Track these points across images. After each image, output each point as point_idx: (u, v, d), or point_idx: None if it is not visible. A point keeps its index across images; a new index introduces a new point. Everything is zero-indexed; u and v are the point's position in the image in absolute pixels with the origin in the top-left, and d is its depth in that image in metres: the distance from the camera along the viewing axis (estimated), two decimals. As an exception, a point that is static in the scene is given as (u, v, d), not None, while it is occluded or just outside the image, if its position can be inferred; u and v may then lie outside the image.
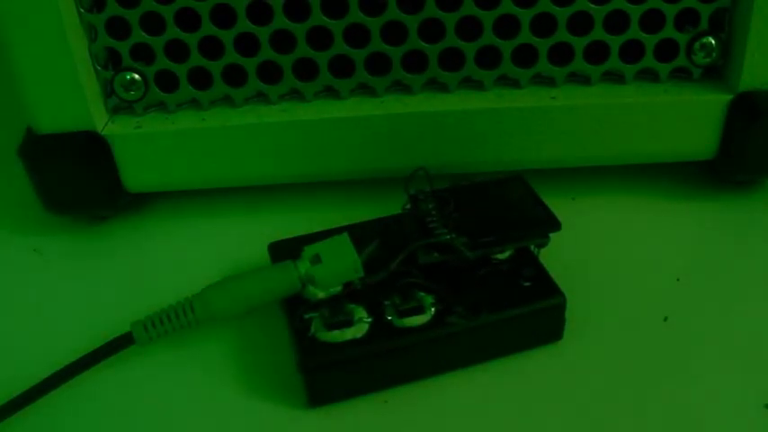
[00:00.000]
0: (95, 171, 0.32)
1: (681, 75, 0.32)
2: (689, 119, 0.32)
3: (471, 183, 0.30)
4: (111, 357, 0.27)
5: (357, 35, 0.31)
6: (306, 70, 0.32)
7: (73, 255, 0.34)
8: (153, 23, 0.30)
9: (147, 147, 0.32)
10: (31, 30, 0.29)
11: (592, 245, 0.32)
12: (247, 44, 0.31)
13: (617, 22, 0.31)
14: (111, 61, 0.31)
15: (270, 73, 0.32)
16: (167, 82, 0.32)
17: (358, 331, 0.26)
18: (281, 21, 0.30)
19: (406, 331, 0.26)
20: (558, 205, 0.29)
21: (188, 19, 0.30)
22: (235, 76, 0.32)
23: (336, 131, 0.32)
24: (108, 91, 0.32)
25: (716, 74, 0.32)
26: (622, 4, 0.30)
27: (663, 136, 0.32)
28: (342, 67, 0.32)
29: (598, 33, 0.31)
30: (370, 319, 0.26)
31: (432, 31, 0.31)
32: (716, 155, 0.33)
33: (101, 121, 0.32)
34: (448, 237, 0.27)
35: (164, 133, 0.32)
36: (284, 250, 0.28)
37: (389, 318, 0.26)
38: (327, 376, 0.26)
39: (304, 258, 0.26)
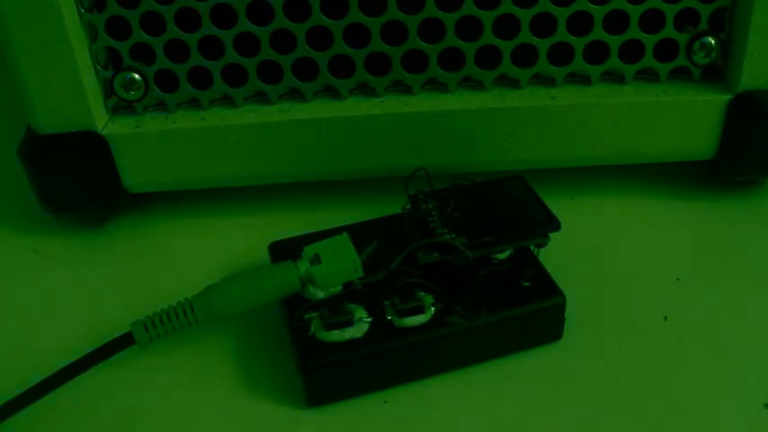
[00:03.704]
0: (95, 171, 0.32)
1: (680, 75, 0.32)
2: (689, 119, 0.32)
3: (471, 183, 0.30)
4: (112, 357, 0.27)
5: (357, 35, 0.31)
6: (306, 70, 0.32)
7: (73, 255, 0.34)
8: (153, 23, 0.30)
9: (147, 147, 0.32)
10: (32, 30, 0.29)
11: (592, 245, 0.32)
12: (247, 44, 0.31)
13: (617, 22, 0.31)
14: (112, 61, 0.31)
15: (270, 73, 0.32)
16: (167, 82, 0.32)
17: (358, 331, 0.26)
18: (281, 21, 0.30)
19: (406, 331, 0.26)
20: (558, 205, 0.29)
21: (188, 19, 0.30)
22: (235, 76, 0.32)
23: (336, 131, 0.32)
24: (108, 91, 0.32)
25: (716, 74, 0.32)
26: (622, 4, 0.30)
27: (663, 136, 0.32)
28: (342, 67, 0.32)
29: (598, 33, 0.31)
30: (370, 319, 0.26)
31: (432, 31, 0.31)
32: (716, 155, 0.33)
33: (101, 121, 0.32)
34: (448, 237, 0.27)
35: (164, 133, 0.32)
36: (284, 250, 0.28)
37: (389, 318, 0.26)
38: (327, 376, 0.26)
39: (304, 258, 0.26)
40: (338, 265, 0.26)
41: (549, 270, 0.28)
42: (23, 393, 0.26)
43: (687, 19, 0.31)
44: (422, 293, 0.27)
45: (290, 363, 0.26)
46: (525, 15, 0.30)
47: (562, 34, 0.31)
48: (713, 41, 0.31)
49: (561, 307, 0.27)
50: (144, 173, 0.33)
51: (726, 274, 0.31)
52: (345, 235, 0.27)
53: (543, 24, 0.31)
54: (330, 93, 0.32)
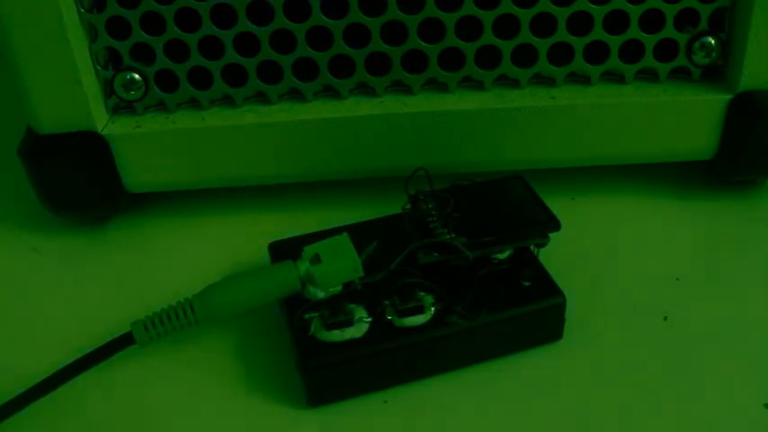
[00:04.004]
0: (95, 171, 0.32)
1: (680, 75, 0.32)
2: (689, 119, 0.32)
3: (471, 183, 0.30)
4: (111, 357, 0.27)
5: (357, 35, 0.31)
6: (306, 70, 0.32)
7: (73, 254, 0.34)
8: (153, 23, 0.30)
9: (147, 147, 0.32)
10: (32, 30, 0.29)
11: (592, 245, 0.32)
12: (247, 44, 0.31)
13: (617, 22, 0.31)
14: (112, 61, 0.31)
15: (270, 73, 0.32)
16: (167, 82, 0.32)
17: (358, 331, 0.26)
18: (281, 21, 0.30)
19: (406, 331, 0.26)
20: (558, 205, 0.29)
21: (188, 19, 0.30)
22: (235, 76, 0.32)
23: (336, 131, 0.32)
24: (108, 91, 0.32)
25: (716, 74, 0.32)
26: (622, 4, 0.30)
27: (663, 136, 0.32)
28: (342, 67, 0.32)
29: (598, 33, 0.31)
30: (370, 319, 0.26)
31: (432, 31, 0.31)
32: (716, 155, 0.33)
33: (101, 121, 0.32)
34: (448, 237, 0.27)
35: (164, 133, 0.32)
36: (284, 250, 0.28)
37: (389, 318, 0.26)
38: (327, 376, 0.26)
39: (304, 258, 0.26)
40: (338, 265, 0.26)
41: (549, 270, 0.28)
42: (24, 393, 0.26)
43: (687, 19, 0.31)
44: (422, 293, 0.27)
45: (290, 363, 0.26)
46: (525, 15, 0.30)
47: (562, 34, 0.31)
48: (713, 41, 0.31)
49: (561, 307, 0.27)
50: (144, 173, 0.33)
51: (726, 274, 0.31)
52: (345, 235, 0.27)
53: (543, 24, 0.31)
54: (330, 93, 0.32)
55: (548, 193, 0.30)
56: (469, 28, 0.31)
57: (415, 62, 0.32)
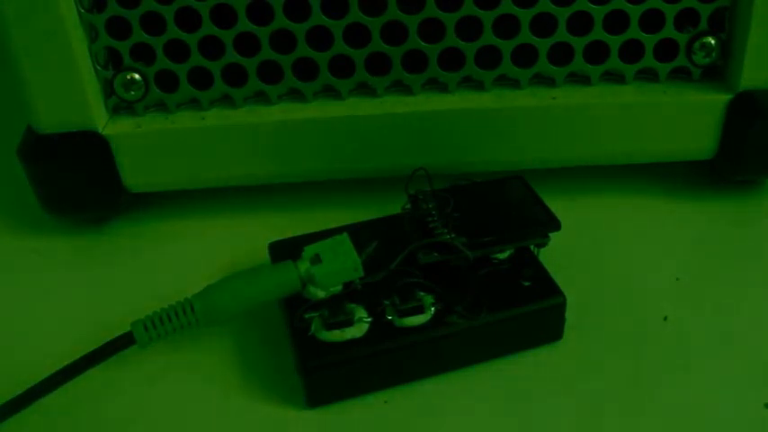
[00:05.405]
0: (96, 171, 0.32)
1: (681, 75, 0.32)
2: (689, 119, 0.32)
3: (471, 183, 0.30)
4: (111, 357, 0.27)
5: (357, 35, 0.31)
6: (306, 70, 0.32)
7: (73, 255, 0.34)
8: (153, 23, 0.30)
9: (147, 147, 0.32)
10: (32, 30, 0.29)
11: (592, 245, 0.32)
12: (247, 44, 0.31)
13: (617, 22, 0.31)
14: (112, 61, 0.31)
15: (270, 73, 0.32)
16: (167, 82, 0.32)
17: (358, 331, 0.26)
18: (281, 21, 0.30)
19: (406, 331, 0.26)
20: (558, 205, 0.29)
21: (188, 19, 0.30)
22: (235, 76, 0.32)
23: (336, 131, 0.32)
24: (108, 91, 0.32)
25: (716, 74, 0.32)
26: (622, 4, 0.30)
27: (663, 136, 0.32)
28: (342, 67, 0.32)
29: (598, 33, 0.31)
30: (370, 319, 0.26)
31: (432, 31, 0.31)
32: (716, 155, 0.33)
33: (101, 121, 0.32)
34: (448, 237, 0.27)
35: (164, 133, 0.32)
36: (284, 250, 0.28)
37: (389, 318, 0.26)
38: (327, 376, 0.26)
39: (304, 258, 0.26)
40: (338, 265, 0.26)
41: (549, 270, 0.28)
42: (24, 393, 0.26)
43: (687, 19, 0.31)
44: (422, 293, 0.27)
45: (290, 363, 0.26)
46: (525, 15, 0.30)
47: (562, 34, 0.31)
48: (713, 41, 0.31)
49: (561, 307, 0.27)
50: (144, 173, 0.33)
51: (726, 274, 0.31)
52: (345, 235, 0.27)
53: (543, 24, 0.31)
54: (330, 93, 0.32)
55: (548, 193, 0.30)
56: (469, 28, 0.31)
57: (415, 62, 0.32)
